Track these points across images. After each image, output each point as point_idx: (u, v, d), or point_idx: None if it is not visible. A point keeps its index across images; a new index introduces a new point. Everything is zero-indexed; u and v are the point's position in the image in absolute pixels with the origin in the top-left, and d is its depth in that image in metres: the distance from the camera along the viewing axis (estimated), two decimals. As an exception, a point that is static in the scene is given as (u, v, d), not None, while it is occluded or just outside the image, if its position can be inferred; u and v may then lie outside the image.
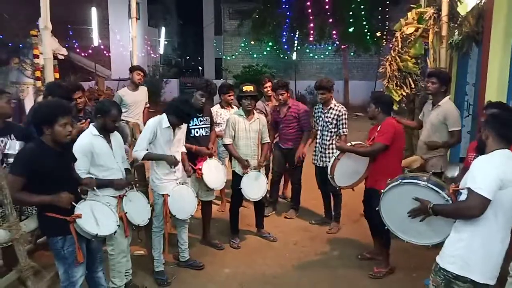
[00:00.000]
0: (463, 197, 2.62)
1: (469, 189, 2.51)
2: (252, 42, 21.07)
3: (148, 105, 6.76)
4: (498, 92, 4.83)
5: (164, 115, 4.09)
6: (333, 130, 5.21)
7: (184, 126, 4.28)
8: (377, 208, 3.32)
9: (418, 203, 2.85)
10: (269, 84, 6.14)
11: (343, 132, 5.19)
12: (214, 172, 4.67)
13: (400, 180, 3.09)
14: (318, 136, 5.35)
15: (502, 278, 3.15)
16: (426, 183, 2.91)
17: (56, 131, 2.90)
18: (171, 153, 4.11)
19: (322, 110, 5.30)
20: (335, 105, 5.23)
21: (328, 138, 5.23)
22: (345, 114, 5.20)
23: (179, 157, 4.22)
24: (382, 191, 3.24)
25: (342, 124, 5.18)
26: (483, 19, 5.52)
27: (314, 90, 5.48)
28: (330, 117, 5.20)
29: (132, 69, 6.50)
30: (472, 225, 2.56)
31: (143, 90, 6.61)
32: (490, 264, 2.57)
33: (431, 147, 4.45)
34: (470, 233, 2.57)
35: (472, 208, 2.49)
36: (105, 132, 3.54)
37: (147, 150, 4.03)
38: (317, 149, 5.37)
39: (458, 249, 2.60)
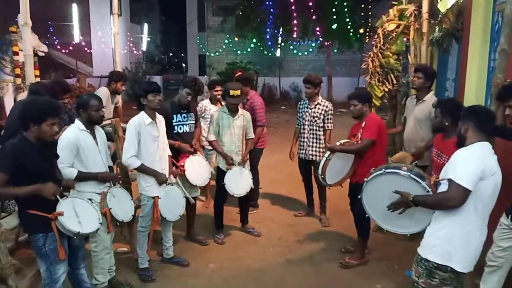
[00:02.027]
0: (442, 187, 2.67)
1: (450, 180, 2.55)
2: (236, 39, 21.00)
3: (119, 104, 6.74)
4: (477, 87, 4.92)
5: (142, 112, 3.97)
6: (320, 125, 5.36)
7: (163, 120, 4.20)
8: (359, 196, 3.36)
9: (398, 196, 2.86)
10: (239, 73, 6.41)
11: (328, 127, 5.35)
12: (198, 169, 4.62)
13: (384, 170, 3.12)
14: (305, 131, 5.42)
15: (480, 268, 3.24)
16: (409, 173, 2.94)
17: (43, 130, 2.87)
18: (159, 150, 4.05)
19: (309, 106, 5.41)
20: (321, 101, 5.40)
21: (318, 133, 5.35)
22: (331, 110, 5.38)
23: (167, 155, 4.21)
24: (365, 179, 3.27)
25: (328, 119, 5.34)
26: (463, 16, 5.62)
27: (300, 85, 5.59)
28: (317, 112, 5.34)
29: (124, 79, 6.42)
30: (451, 215, 2.60)
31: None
32: (470, 253, 2.63)
33: (419, 155, 4.36)
34: (450, 223, 2.62)
35: (453, 199, 2.53)
36: (91, 125, 3.53)
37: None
38: (305, 143, 5.44)
39: (438, 239, 2.65)
